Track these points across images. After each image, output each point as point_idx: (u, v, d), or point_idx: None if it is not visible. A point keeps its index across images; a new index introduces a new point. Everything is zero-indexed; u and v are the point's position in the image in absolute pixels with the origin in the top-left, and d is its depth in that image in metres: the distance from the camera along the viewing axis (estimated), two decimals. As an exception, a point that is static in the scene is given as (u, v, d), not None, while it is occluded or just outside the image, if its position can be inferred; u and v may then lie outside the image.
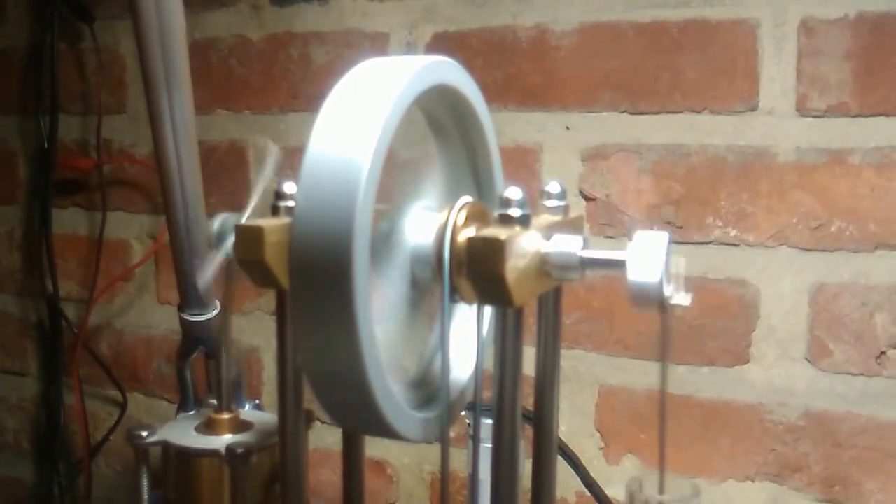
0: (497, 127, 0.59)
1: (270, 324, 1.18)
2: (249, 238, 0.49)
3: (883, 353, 0.89)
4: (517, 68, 1.01)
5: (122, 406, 1.26)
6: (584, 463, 0.91)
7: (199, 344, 0.89)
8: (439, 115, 0.56)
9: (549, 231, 0.50)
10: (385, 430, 0.47)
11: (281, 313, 0.53)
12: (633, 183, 0.97)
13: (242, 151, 1.17)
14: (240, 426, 0.70)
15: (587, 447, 1.01)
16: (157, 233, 1.23)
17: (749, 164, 0.92)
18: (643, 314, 0.95)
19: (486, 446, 0.57)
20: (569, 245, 0.49)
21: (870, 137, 0.88)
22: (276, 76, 1.14)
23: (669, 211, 0.96)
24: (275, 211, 0.52)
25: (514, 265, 0.45)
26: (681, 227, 0.95)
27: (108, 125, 1.24)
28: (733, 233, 0.94)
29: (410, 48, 1.06)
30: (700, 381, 0.96)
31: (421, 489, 1.12)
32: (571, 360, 1.01)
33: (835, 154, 0.89)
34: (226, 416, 0.70)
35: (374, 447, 1.11)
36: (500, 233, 0.44)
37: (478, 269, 0.44)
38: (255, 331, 1.19)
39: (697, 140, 0.94)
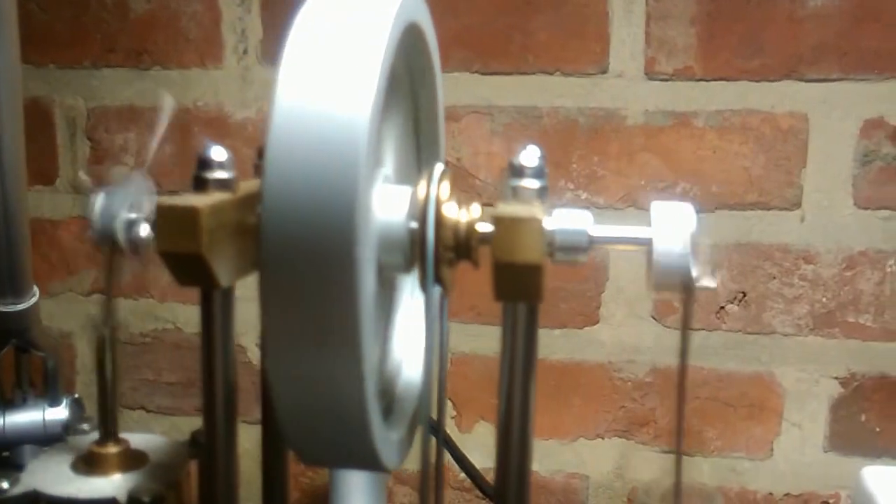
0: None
1: (84, 306, 0.97)
2: (182, 224, 0.32)
3: (722, 307, 0.86)
4: (362, 24, 0.87)
5: None
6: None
7: (10, 337, 0.72)
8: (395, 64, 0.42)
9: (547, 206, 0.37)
10: (371, 462, 0.34)
11: (208, 313, 0.36)
12: (485, 146, 0.87)
13: (47, 112, 0.94)
14: (132, 460, 0.47)
15: (440, 416, 0.91)
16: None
17: (599, 126, 0.85)
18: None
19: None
20: (577, 222, 0.37)
21: (711, 101, 0.84)
22: (87, 25, 0.92)
23: (522, 174, 0.86)
24: (200, 184, 0.35)
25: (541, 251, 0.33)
26: (533, 191, 0.86)
27: None
28: (584, 195, 0.86)
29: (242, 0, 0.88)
30: (553, 344, 0.89)
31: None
32: (423, 330, 0.90)
33: (680, 117, 0.84)
34: (113, 448, 0.46)
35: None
36: (534, 211, 0.32)
37: (506, 259, 0.32)
38: (65, 314, 0.97)
39: (549, 102, 0.86)
